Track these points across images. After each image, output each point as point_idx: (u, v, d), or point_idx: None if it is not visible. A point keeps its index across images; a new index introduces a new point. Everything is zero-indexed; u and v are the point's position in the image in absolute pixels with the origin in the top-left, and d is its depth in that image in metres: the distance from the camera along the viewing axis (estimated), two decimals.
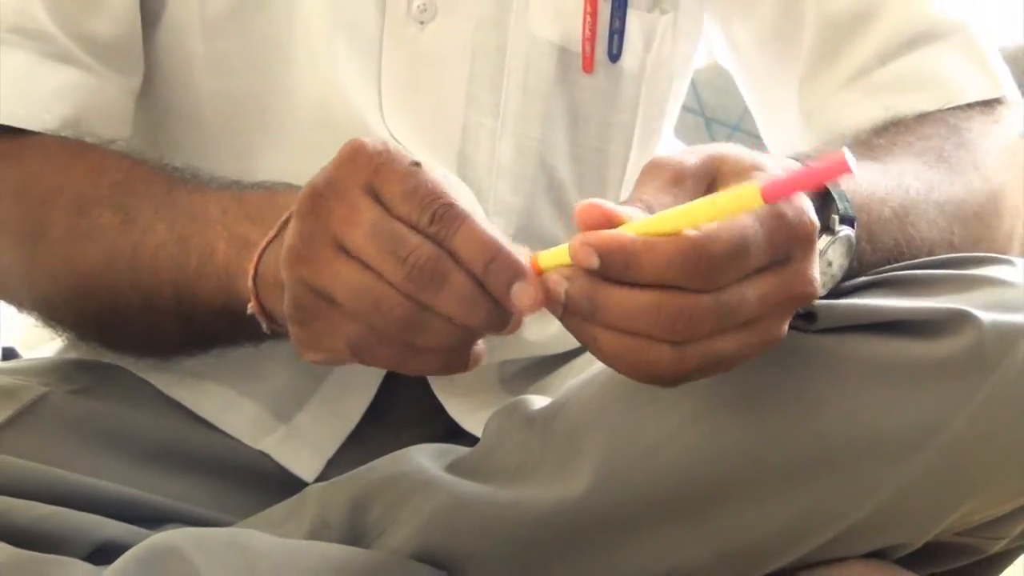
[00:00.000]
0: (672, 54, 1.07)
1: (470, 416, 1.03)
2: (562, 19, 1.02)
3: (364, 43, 0.99)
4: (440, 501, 0.87)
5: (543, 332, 1.05)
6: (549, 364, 1.06)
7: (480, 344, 0.78)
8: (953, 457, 0.82)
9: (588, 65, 1.03)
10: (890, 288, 0.85)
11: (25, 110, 0.98)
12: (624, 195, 1.07)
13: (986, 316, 0.82)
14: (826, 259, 0.82)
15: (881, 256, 0.88)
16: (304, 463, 1.02)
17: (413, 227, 0.74)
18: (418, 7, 0.99)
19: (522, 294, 0.73)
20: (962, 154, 0.98)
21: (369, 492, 0.89)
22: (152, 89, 1.04)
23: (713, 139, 2.04)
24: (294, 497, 0.93)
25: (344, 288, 0.74)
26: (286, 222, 0.85)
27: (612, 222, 0.72)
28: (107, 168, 0.97)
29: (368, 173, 0.75)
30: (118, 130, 1.01)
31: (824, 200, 0.83)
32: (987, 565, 0.93)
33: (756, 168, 0.75)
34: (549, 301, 0.73)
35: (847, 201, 0.84)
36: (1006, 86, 1.06)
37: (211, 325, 0.93)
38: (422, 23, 1.00)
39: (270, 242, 0.86)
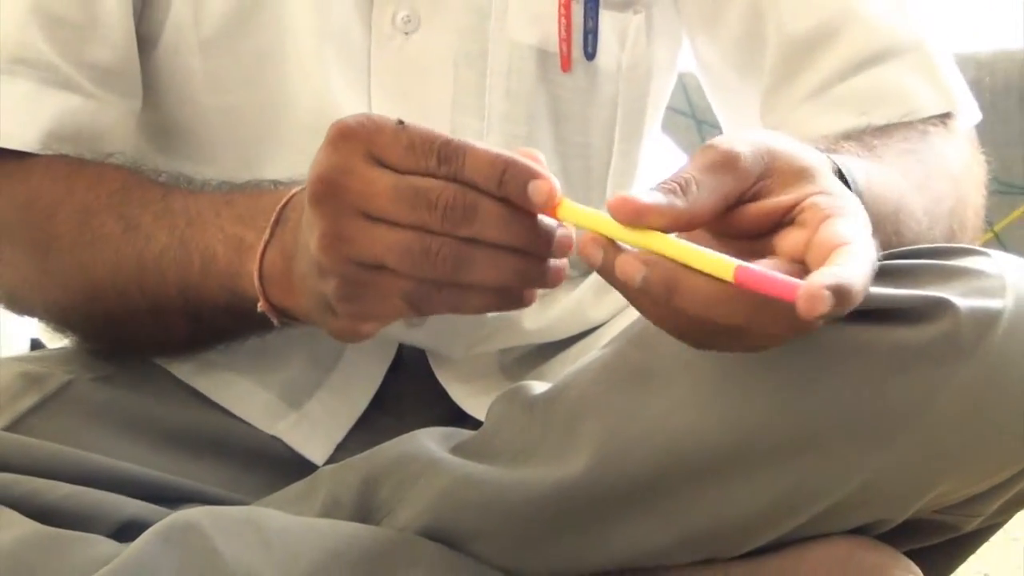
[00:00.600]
0: (649, 53, 1.07)
1: (472, 400, 1.03)
2: (538, 22, 1.02)
3: (353, 55, 1.00)
4: (445, 481, 0.88)
5: (540, 321, 1.05)
6: (546, 351, 1.07)
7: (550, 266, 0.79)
8: (932, 437, 0.83)
9: (566, 64, 1.03)
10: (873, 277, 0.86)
11: (28, 134, 0.99)
12: (610, 189, 1.08)
13: (963, 303, 0.82)
14: None
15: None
16: (315, 447, 1.03)
17: (425, 175, 0.75)
18: (402, 19, 1.00)
19: (536, 191, 0.75)
20: (933, 156, 0.99)
21: (378, 473, 0.90)
22: (158, 106, 1.04)
23: (703, 140, 2.04)
24: (307, 478, 0.94)
25: (391, 250, 0.76)
26: (276, 221, 0.86)
27: (641, 218, 0.72)
28: (105, 179, 0.97)
29: (364, 145, 0.76)
30: (119, 150, 1.01)
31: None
32: (964, 542, 0.94)
33: (804, 175, 0.75)
34: (587, 255, 0.74)
35: (863, 201, 0.84)
36: (959, 100, 1.07)
37: (218, 321, 0.93)
38: (407, 34, 1.00)
39: (267, 243, 0.87)
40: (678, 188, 0.73)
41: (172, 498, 0.94)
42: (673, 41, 1.09)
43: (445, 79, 1.01)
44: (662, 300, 0.72)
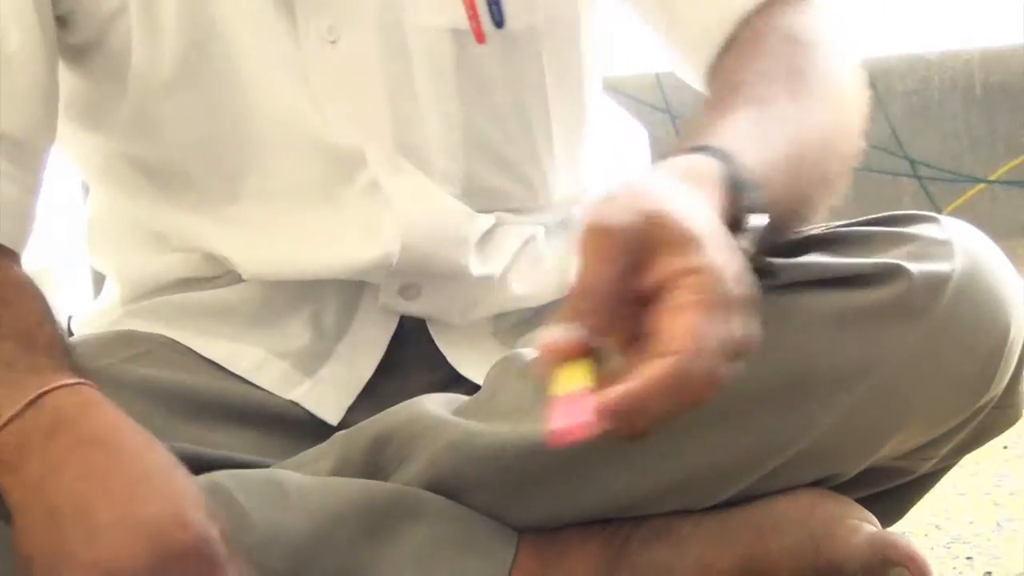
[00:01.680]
0: (572, 8, 1.04)
1: (468, 364, 1.02)
2: (447, 5, 1.00)
3: (294, 68, 0.99)
4: (447, 438, 0.89)
5: (526, 286, 1.04)
6: (535, 321, 1.06)
7: None
8: (887, 391, 0.84)
9: (480, 37, 1.01)
10: (829, 244, 0.87)
11: None
12: (556, 143, 1.04)
13: (915, 268, 0.84)
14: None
15: (780, 215, 0.82)
16: (329, 409, 1.03)
17: None
18: (326, 29, 0.99)
19: None
20: (814, 80, 0.91)
21: (385, 433, 0.91)
22: (142, 147, 1.03)
23: (679, 134, 2.06)
24: (323, 443, 0.94)
25: None
26: (30, 403, 0.82)
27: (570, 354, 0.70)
28: None
29: None
30: (12, 234, 0.94)
31: (733, 189, 0.77)
32: (916, 485, 0.96)
33: (687, 245, 0.70)
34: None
35: (754, 190, 0.78)
36: None
37: None
38: (333, 42, 0.99)
39: (11, 420, 0.82)
40: (578, 316, 0.70)
41: (202, 466, 0.94)
42: None
43: (377, 75, 1.00)
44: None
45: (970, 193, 2.36)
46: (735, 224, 0.76)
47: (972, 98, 2.44)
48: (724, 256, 0.70)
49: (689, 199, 0.73)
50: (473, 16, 1.00)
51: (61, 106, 1.01)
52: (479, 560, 0.88)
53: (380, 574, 0.87)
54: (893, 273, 0.84)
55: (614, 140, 1.13)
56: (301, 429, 1.01)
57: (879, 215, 0.91)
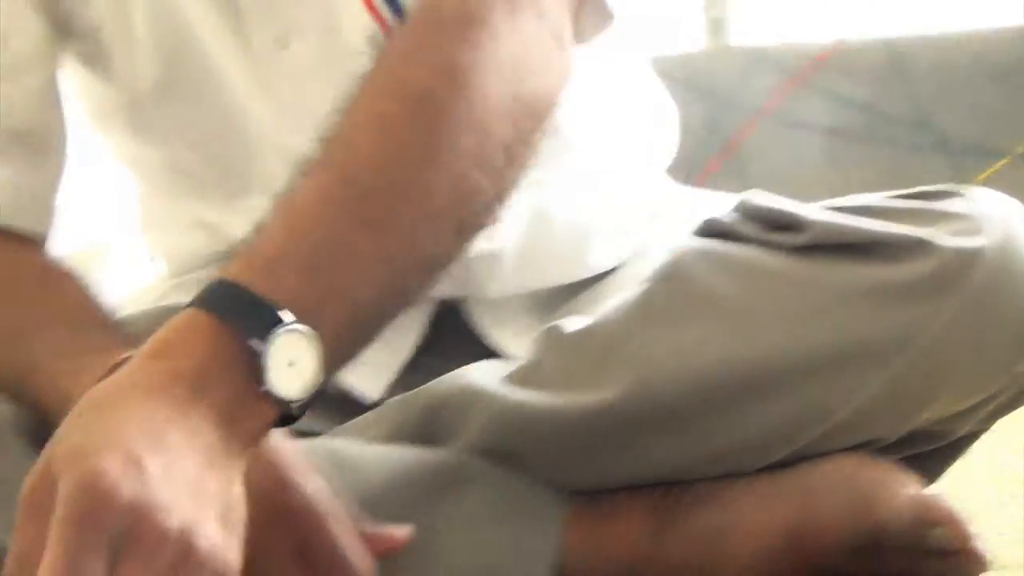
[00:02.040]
0: None
1: (506, 342, 1.02)
2: (365, 12, 0.98)
3: (252, 74, 1.00)
4: (498, 406, 0.90)
5: (543, 259, 1.04)
6: (570, 291, 1.05)
7: None
8: (920, 365, 0.86)
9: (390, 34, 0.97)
10: (856, 214, 0.88)
11: None
12: None
13: (947, 243, 0.85)
14: (285, 362, 0.74)
15: (369, 284, 0.80)
16: (371, 386, 1.03)
17: None
18: (275, 36, 0.99)
19: None
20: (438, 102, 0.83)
21: (438, 401, 0.92)
22: (161, 146, 1.04)
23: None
24: (375, 409, 0.95)
25: None
26: (112, 368, 0.80)
27: None
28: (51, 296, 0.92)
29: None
30: (35, 224, 0.97)
31: (242, 317, 0.74)
32: (954, 446, 0.96)
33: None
34: None
35: (270, 303, 0.74)
36: None
37: None
38: (284, 48, 0.99)
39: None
40: None
41: None
42: None
43: (329, 74, 0.97)
44: None
45: (997, 166, 2.37)
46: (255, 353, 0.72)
47: (996, 75, 2.44)
48: (109, 473, 0.66)
49: (115, 417, 0.69)
50: (382, 23, 0.98)
51: (93, 109, 1.04)
52: (531, 525, 0.89)
53: (433, 541, 0.88)
54: (926, 248, 0.85)
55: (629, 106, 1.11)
56: (344, 402, 1.01)
57: (907, 191, 0.91)
